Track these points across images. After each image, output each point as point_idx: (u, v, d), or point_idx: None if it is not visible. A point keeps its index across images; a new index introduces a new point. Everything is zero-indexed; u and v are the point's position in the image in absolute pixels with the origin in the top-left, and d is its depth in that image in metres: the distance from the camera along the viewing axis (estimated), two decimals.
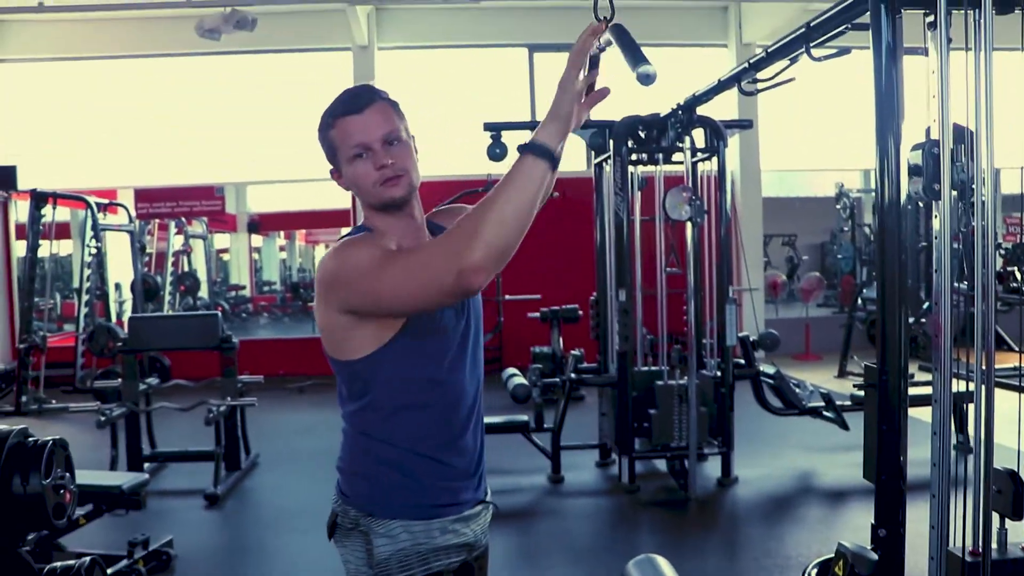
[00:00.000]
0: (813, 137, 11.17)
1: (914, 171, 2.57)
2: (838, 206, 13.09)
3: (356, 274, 1.56)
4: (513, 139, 5.83)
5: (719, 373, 5.50)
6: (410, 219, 1.73)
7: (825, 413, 5.98)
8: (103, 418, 5.31)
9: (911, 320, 7.97)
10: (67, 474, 3.12)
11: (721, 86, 4.45)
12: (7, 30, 10.52)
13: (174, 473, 5.95)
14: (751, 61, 3.97)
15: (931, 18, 2.54)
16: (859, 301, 10.11)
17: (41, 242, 9.05)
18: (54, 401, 8.64)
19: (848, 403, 6.01)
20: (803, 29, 3.35)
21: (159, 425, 6.29)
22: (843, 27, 3.22)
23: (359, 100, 1.67)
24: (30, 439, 3.04)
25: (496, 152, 5.47)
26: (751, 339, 6.08)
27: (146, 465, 5.81)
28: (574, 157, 10.66)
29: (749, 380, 5.97)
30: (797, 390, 6.08)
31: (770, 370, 6.02)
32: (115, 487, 4.05)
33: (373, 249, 1.58)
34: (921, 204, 7.44)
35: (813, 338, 10.99)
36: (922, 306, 8.31)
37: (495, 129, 5.53)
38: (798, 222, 15.36)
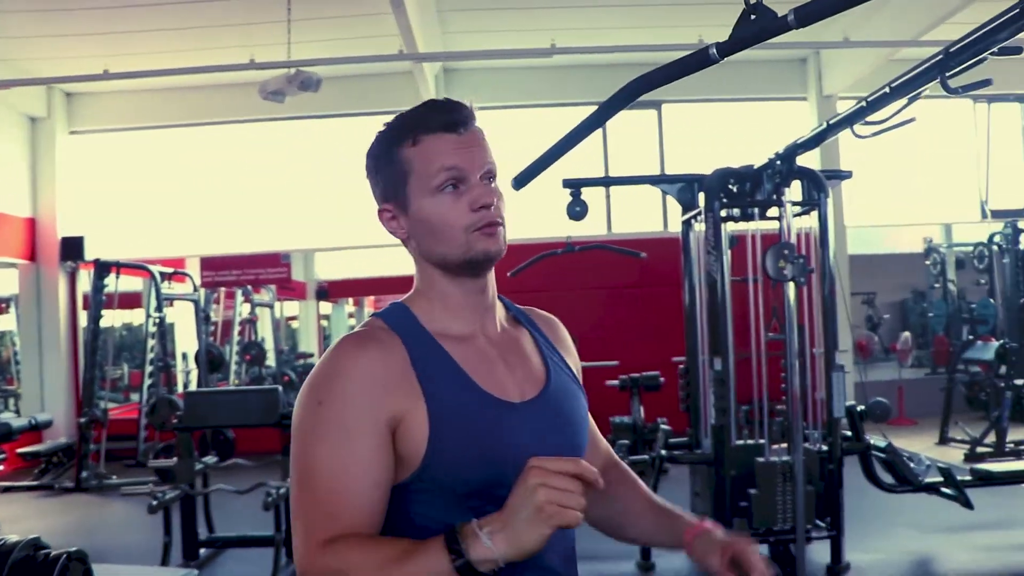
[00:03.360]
0: (892, 191, 10.62)
1: None
2: (927, 262, 12.46)
3: (296, 421, 1.25)
4: (592, 196, 5.44)
5: (825, 447, 4.95)
6: (481, 294, 1.28)
7: (944, 490, 5.36)
8: (154, 502, 4.96)
9: None
10: None
11: (830, 129, 4.02)
12: (76, 103, 10.61)
13: (232, 559, 5.54)
14: (868, 99, 3.53)
15: None
16: (960, 363, 9.38)
17: (105, 312, 8.92)
18: (115, 477, 8.39)
19: (969, 478, 5.39)
20: (940, 56, 2.91)
21: (218, 506, 5.92)
22: (987, 52, 2.80)
23: (460, 114, 1.22)
24: (42, 552, 2.64)
25: (576, 210, 5.09)
26: (857, 408, 5.52)
27: (202, 551, 5.44)
28: (653, 217, 10.23)
29: (857, 455, 5.39)
30: (911, 464, 5.47)
31: (881, 443, 5.43)
32: None
33: (319, 408, 1.22)
34: None
35: (907, 402, 10.28)
36: None
37: (575, 186, 5.15)
38: (876, 280, 14.69)
